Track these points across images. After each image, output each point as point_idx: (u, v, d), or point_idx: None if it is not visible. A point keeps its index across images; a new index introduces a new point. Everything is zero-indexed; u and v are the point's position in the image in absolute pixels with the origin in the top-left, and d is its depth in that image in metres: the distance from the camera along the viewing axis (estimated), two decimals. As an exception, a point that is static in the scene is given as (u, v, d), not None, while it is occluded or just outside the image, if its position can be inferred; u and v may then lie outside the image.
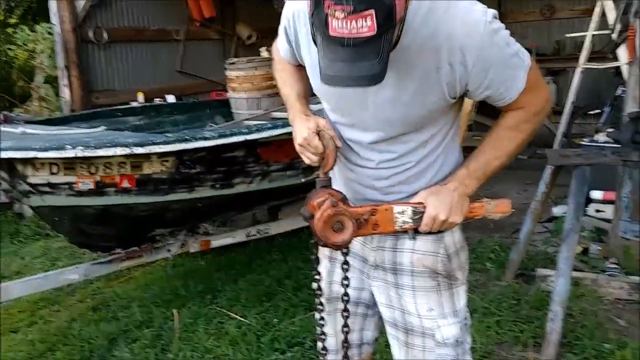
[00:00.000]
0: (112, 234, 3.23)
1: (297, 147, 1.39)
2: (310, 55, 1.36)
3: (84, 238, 3.21)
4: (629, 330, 2.78)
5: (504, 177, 5.69)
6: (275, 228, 3.88)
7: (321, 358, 1.63)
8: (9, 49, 7.19)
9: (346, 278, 1.46)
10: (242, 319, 3.01)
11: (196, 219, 3.56)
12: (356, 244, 1.54)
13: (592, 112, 6.22)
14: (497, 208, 1.39)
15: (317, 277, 1.48)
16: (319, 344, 1.53)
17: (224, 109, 4.87)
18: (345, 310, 1.47)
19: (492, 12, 1.22)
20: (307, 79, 1.55)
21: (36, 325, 3.18)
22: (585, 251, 3.54)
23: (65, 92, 5.34)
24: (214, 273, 3.66)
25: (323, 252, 1.68)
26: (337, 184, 1.49)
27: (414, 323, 1.47)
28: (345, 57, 1.04)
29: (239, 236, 3.77)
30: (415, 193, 1.40)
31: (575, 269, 3.28)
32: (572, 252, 2.67)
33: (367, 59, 1.04)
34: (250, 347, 2.72)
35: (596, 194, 4.01)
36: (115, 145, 2.62)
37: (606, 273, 3.15)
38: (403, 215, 1.34)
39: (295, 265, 3.65)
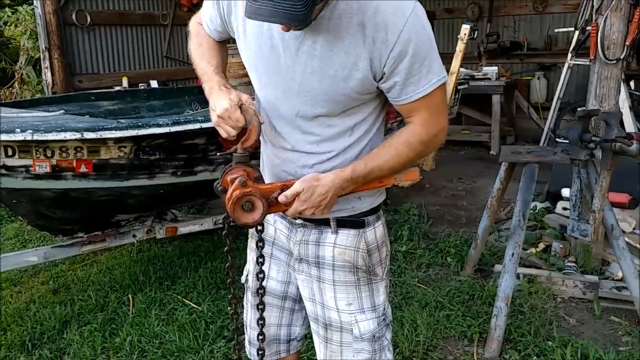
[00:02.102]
0: (72, 218, 3.23)
1: (215, 119, 1.32)
2: (245, 22, 1.35)
3: (43, 221, 3.22)
4: (577, 328, 2.78)
5: (485, 172, 5.68)
6: (243, 216, 3.87)
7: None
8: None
9: (261, 272, 1.48)
10: (194, 306, 3.03)
11: (160, 205, 3.56)
12: (282, 237, 1.55)
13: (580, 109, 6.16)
14: (406, 176, 1.41)
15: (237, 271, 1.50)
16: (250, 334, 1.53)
17: (204, 95, 4.84)
18: (261, 303, 1.50)
19: (422, 8, 1.24)
20: (225, 54, 1.56)
21: (-5, 306, 3.22)
22: (547, 249, 3.53)
23: (47, 75, 5.35)
24: (177, 260, 3.68)
25: (250, 246, 1.68)
26: (264, 172, 1.49)
27: (333, 317, 1.49)
28: None
29: (206, 223, 3.76)
30: None
31: (534, 266, 3.28)
32: (519, 248, 2.66)
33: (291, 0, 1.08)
34: (198, 334, 2.73)
35: (567, 192, 3.96)
36: (66, 130, 2.63)
37: (563, 271, 3.14)
38: None
39: (258, 254, 3.65)
